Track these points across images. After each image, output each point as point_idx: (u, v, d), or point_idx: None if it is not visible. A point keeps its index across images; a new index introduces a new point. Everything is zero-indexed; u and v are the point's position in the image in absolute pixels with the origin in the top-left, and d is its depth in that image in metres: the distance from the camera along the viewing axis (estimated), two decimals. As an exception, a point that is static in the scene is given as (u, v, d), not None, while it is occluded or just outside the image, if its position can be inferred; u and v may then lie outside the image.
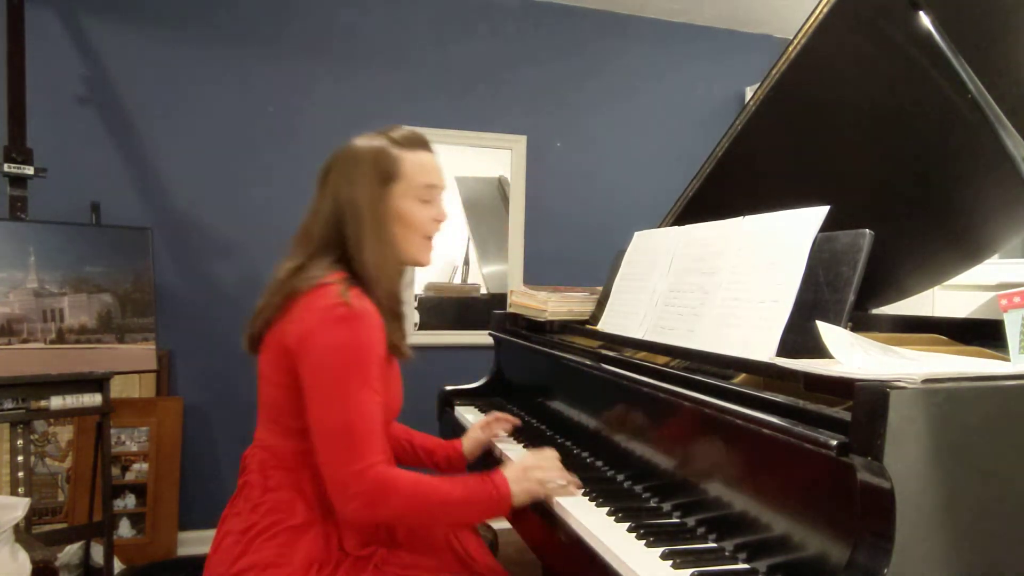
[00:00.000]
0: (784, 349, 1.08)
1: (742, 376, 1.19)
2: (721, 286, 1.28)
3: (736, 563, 1.01)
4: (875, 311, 1.91)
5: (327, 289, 1.20)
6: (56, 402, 2.16)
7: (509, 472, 1.26)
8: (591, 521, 1.16)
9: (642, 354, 1.48)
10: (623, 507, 1.20)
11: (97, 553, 2.38)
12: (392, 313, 1.29)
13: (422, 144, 1.35)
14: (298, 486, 1.23)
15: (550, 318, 1.94)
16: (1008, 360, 0.96)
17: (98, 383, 2.25)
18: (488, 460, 1.68)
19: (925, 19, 1.32)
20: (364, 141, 1.34)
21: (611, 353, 1.53)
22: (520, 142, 3.26)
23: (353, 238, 1.27)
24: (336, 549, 1.23)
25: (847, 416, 0.82)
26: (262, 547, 1.19)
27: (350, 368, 1.17)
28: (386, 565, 1.25)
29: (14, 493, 2.08)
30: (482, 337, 2.50)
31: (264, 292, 1.30)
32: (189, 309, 2.81)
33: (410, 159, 1.31)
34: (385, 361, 1.25)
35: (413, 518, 1.24)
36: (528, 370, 2.03)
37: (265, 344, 1.26)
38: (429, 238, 1.35)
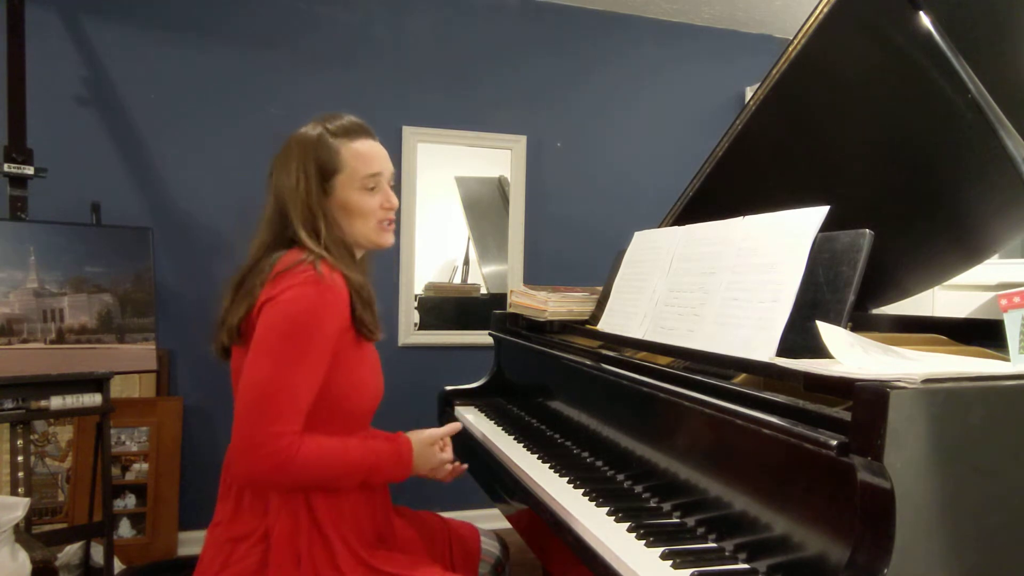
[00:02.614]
0: (784, 349, 1.08)
1: (742, 376, 1.19)
2: (721, 286, 1.28)
3: (736, 563, 1.01)
4: (875, 311, 1.91)
5: (300, 265, 1.22)
6: (56, 402, 2.16)
7: (417, 448, 1.35)
8: (591, 521, 1.16)
9: (642, 354, 1.48)
10: (623, 507, 1.20)
11: (97, 553, 2.38)
12: (360, 293, 1.28)
13: (360, 132, 1.35)
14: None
15: (550, 318, 1.94)
16: (1008, 360, 0.96)
17: (98, 383, 2.24)
18: (487, 459, 1.68)
19: (925, 19, 1.32)
20: (301, 132, 1.35)
21: (611, 353, 1.53)
22: (520, 142, 3.27)
23: (304, 229, 1.28)
24: (323, 550, 1.22)
25: (847, 416, 0.82)
26: (245, 555, 1.19)
27: (296, 333, 1.17)
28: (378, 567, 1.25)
29: (14, 493, 2.08)
30: (482, 337, 2.50)
31: (223, 295, 1.30)
32: (189, 309, 2.81)
33: (349, 149, 1.32)
34: (343, 338, 1.24)
35: (315, 485, 1.23)
36: (528, 370, 2.03)
37: (240, 341, 1.26)
38: (382, 222, 1.36)
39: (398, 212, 1.39)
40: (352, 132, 1.34)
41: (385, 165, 1.36)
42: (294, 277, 1.20)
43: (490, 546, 1.56)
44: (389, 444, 1.32)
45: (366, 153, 1.33)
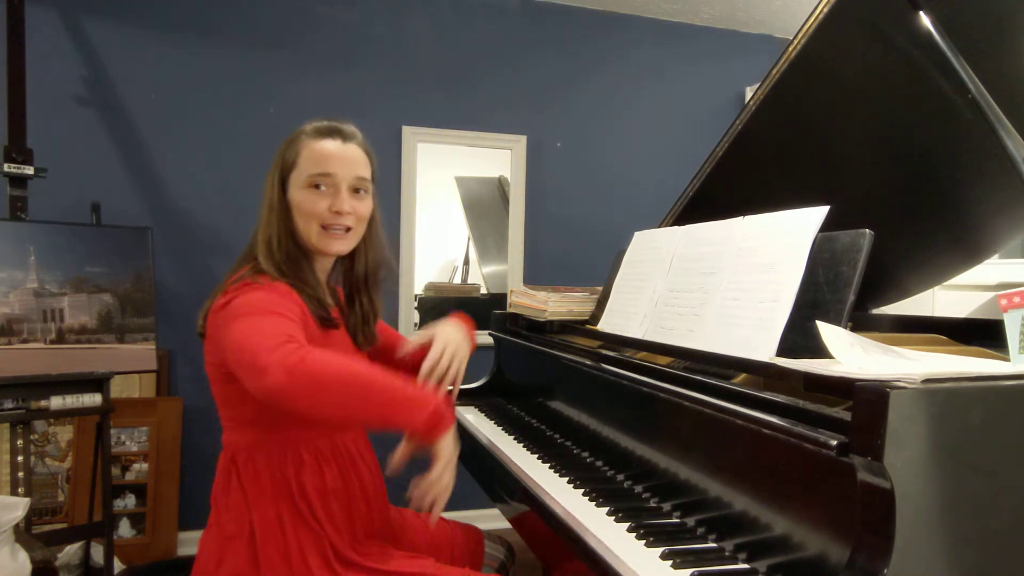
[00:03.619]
0: (784, 349, 1.08)
1: (742, 376, 1.19)
2: (721, 286, 1.28)
3: (736, 563, 1.01)
4: (875, 311, 1.91)
5: (239, 281, 1.22)
6: (56, 402, 2.16)
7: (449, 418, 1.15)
8: (591, 521, 1.16)
9: (642, 354, 1.48)
10: (623, 507, 1.20)
11: (97, 553, 2.38)
12: (312, 295, 1.27)
13: (331, 133, 1.31)
14: (261, 476, 1.22)
15: (550, 318, 1.94)
16: (1008, 360, 0.96)
17: (98, 383, 2.24)
18: (487, 459, 1.68)
19: (925, 19, 1.32)
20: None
21: (611, 353, 1.53)
22: (520, 142, 3.26)
23: (262, 235, 1.29)
24: (314, 548, 1.21)
25: (847, 416, 0.82)
26: (237, 554, 1.19)
27: (256, 301, 1.15)
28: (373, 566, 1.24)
29: (14, 493, 2.08)
30: (482, 337, 2.49)
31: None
32: (189, 309, 2.79)
33: (309, 147, 1.29)
34: (312, 329, 1.23)
35: (334, 401, 1.08)
36: (528, 370, 2.03)
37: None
38: (327, 227, 1.29)
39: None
40: (323, 132, 1.31)
41: (340, 168, 1.29)
42: (234, 287, 1.20)
43: (494, 550, 1.55)
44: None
45: (321, 151, 1.29)
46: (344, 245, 1.32)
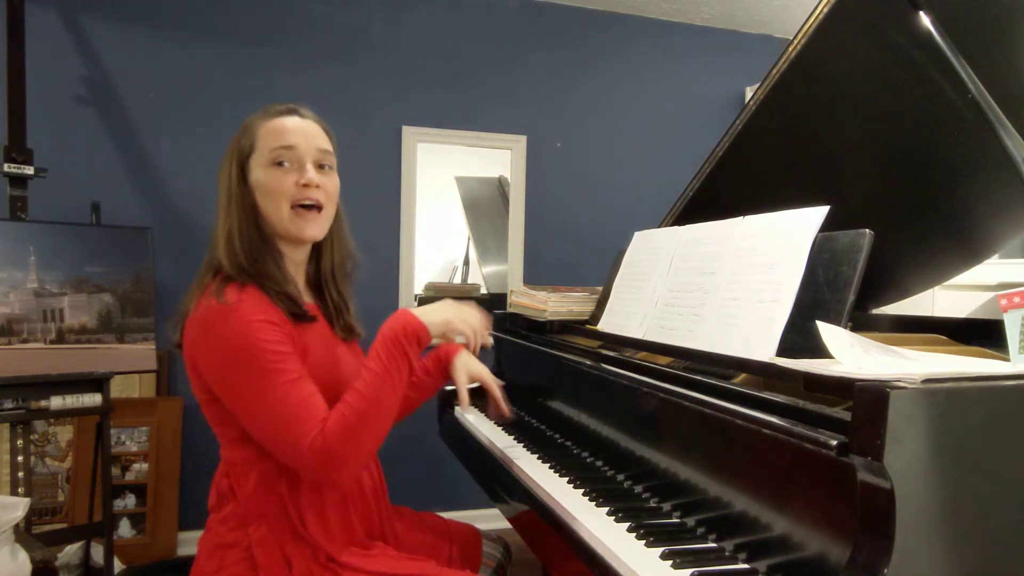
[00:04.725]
0: (784, 349, 1.08)
1: (742, 376, 1.19)
2: (721, 286, 1.28)
3: (736, 563, 1.00)
4: (875, 311, 1.91)
5: (204, 299, 1.18)
6: (56, 402, 2.16)
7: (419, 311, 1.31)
8: (591, 521, 1.16)
9: (642, 354, 1.48)
10: (623, 507, 1.20)
11: (97, 553, 2.38)
12: (282, 292, 1.22)
13: (286, 112, 1.26)
14: (254, 496, 1.21)
15: (550, 318, 1.94)
16: (1008, 360, 0.96)
17: (98, 383, 2.24)
18: (487, 459, 1.69)
19: (925, 19, 1.32)
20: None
21: (611, 353, 1.53)
22: (520, 142, 3.27)
23: (222, 231, 1.23)
24: (312, 554, 1.21)
25: (847, 416, 0.82)
26: (236, 560, 1.19)
27: (243, 364, 1.12)
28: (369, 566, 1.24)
29: (14, 493, 2.08)
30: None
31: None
32: (189, 309, 2.81)
33: (264, 127, 1.24)
34: (291, 334, 1.19)
35: (378, 430, 1.17)
36: (528, 370, 2.03)
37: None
38: (298, 206, 1.23)
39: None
40: (278, 112, 1.26)
41: (302, 141, 1.23)
42: (203, 319, 1.16)
43: (492, 548, 1.55)
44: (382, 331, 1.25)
45: (279, 127, 1.23)
46: (318, 228, 1.26)
